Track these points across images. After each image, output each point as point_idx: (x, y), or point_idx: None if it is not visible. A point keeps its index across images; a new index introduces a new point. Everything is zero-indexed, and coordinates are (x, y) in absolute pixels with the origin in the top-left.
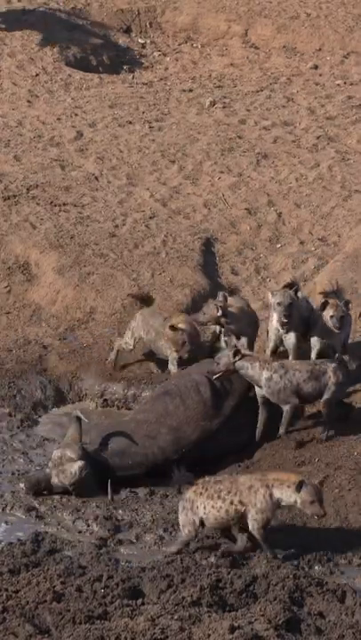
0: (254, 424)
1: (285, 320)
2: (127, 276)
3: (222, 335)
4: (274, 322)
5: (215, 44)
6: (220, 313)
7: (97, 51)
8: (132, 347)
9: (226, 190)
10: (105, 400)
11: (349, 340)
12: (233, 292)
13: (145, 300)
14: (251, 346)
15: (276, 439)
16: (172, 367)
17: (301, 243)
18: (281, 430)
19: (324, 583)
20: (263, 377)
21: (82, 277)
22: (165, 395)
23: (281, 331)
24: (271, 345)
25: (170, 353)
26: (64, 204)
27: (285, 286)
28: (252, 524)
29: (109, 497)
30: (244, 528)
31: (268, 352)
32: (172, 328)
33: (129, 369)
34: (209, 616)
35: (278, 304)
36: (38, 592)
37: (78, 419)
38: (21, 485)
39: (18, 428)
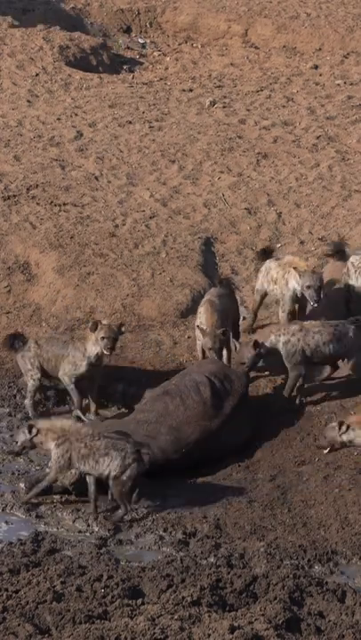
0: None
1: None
2: (127, 275)
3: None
4: (291, 284)
5: (215, 44)
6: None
7: (97, 51)
8: (40, 377)
9: (226, 190)
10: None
11: None
12: (222, 282)
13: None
14: (236, 333)
15: (276, 439)
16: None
17: (301, 242)
18: None
19: (324, 583)
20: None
21: (82, 277)
22: (165, 395)
23: (297, 292)
24: (288, 308)
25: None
26: (64, 204)
27: (263, 250)
28: None
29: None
30: None
31: (285, 315)
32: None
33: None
34: (209, 616)
35: (308, 287)
36: (38, 592)
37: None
38: (21, 485)
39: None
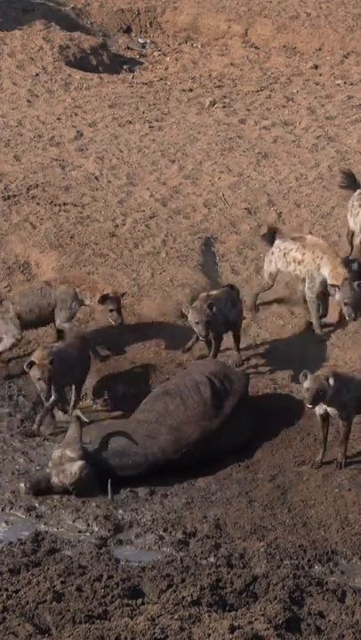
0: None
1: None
2: (127, 275)
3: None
4: (324, 271)
5: (215, 44)
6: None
7: (97, 51)
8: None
9: (226, 190)
10: (105, 400)
11: None
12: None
13: None
14: None
15: (276, 439)
16: None
17: None
18: None
19: (324, 583)
20: None
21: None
22: (166, 394)
23: (327, 280)
24: (317, 290)
25: None
26: (64, 204)
27: (269, 232)
28: None
29: (109, 497)
30: None
31: (314, 297)
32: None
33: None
34: (209, 616)
35: (345, 303)
36: (38, 592)
37: (78, 418)
38: (21, 485)
39: (18, 427)
